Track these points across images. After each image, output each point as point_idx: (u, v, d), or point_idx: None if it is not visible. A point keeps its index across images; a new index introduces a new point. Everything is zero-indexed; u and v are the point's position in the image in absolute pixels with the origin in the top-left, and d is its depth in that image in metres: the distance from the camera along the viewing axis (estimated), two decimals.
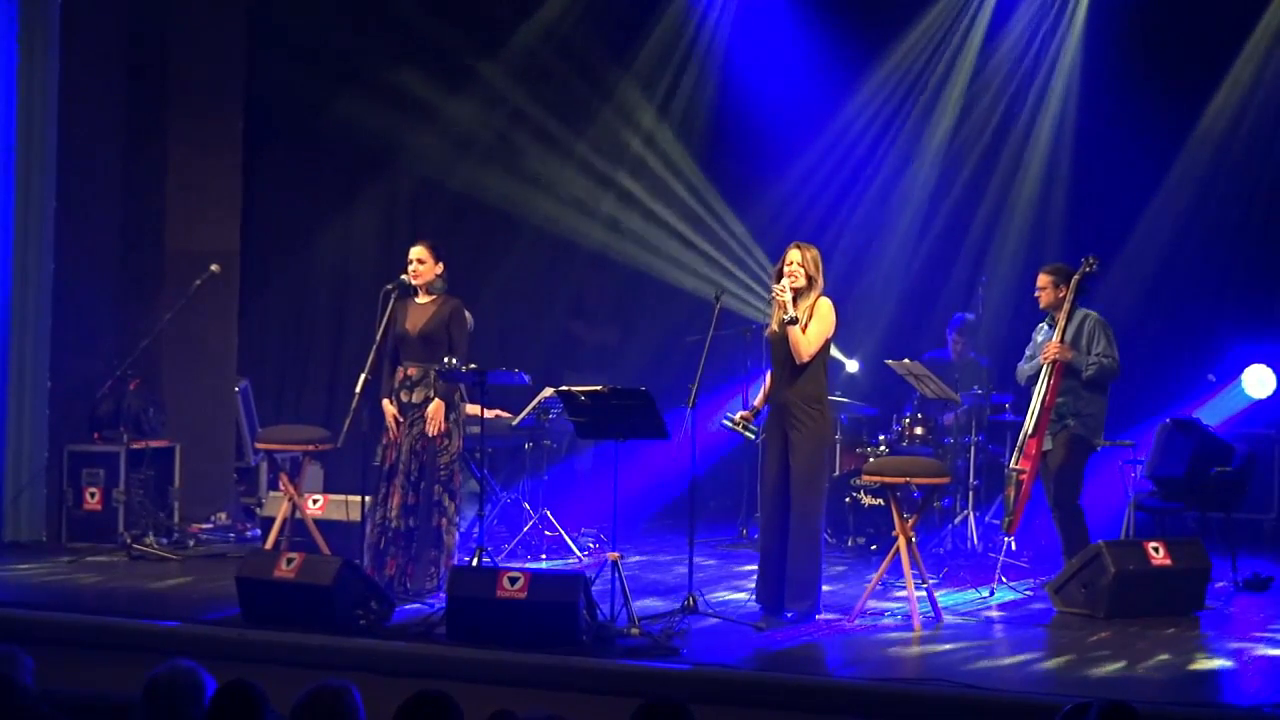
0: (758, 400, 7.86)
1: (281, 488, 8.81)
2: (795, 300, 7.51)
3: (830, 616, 7.57)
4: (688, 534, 7.55)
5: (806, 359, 7.48)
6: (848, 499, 9.80)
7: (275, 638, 6.90)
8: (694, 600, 7.38)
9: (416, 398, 8.07)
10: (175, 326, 9.93)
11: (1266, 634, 7.51)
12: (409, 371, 8.09)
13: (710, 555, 9.59)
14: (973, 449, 9.66)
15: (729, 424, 7.80)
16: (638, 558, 9.43)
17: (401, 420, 8.05)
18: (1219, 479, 8.95)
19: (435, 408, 7.99)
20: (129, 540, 9.32)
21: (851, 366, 11.01)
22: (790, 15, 11.49)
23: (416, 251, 8.18)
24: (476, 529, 7.94)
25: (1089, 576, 7.76)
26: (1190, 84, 10.91)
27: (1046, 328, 8.57)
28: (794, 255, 7.58)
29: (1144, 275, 10.86)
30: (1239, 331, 10.61)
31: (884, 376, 10.52)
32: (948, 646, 7.05)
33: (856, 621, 7.50)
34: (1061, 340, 8.28)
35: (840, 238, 11.43)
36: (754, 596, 7.68)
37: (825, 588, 7.75)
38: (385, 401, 8.11)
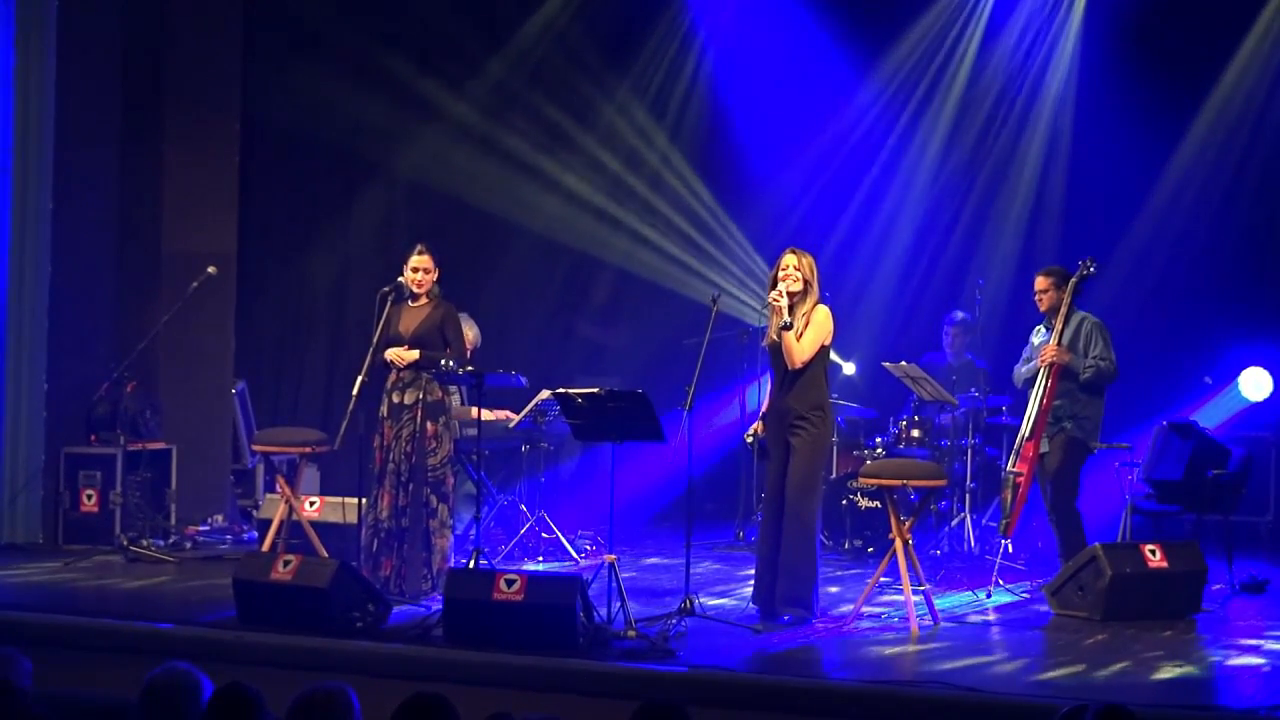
0: (763, 407, 7.84)
1: (278, 490, 8.80)
2: (792, 307, 7.51)
3: (827, 619, 7.58)
4: (684, 536, 7.56)
5: (800, 365, 7.47)
6: (845, 501, 9.80)
7: (272, 640, 6.89)
8: (691, 602, 7.38)
9: (408, 399, 8.06)
10: (172, 329, 9.93)
11: (1263, 637, 7.52)
12: (401, 373, 8.10)
13: (707, 558, 9.58)
14: (969, 451, 9.67)
15: (749, 440, 7.87)
16: (635, 560, 9.43)
17: (399, 362, 8.04)
18: (1216, 482, 8.95)
19: (410, 351, 8.01)
20: (125, 542, 9.32)
21: (848, 369, 11.00)
22: (787, 18, 11.48)
23: (422, 260, 8.16)
24: (473, 531, 7.94)
25: (1086, 579, 7.76)
26: (1187, 85, 10.92)
27: (1044, 330, 8.58)
28: (789, 260, 7.56)
29: (1140, 277, 10.86)
30: (1236, 334, 10.61)
31: (881, 379, 10.52)
32: (944, 649, 7.05)
33: (853, 624, 7.50)
34: (1059, 343, 8.29)
35: (837, 240, 11.44)
36: (751, 599, 7.66)
37: (822, 590, 7.75)
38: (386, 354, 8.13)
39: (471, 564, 7.58)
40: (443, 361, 7.92)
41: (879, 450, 9.78)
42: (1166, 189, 11.00)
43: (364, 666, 6.48)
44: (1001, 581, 8.52)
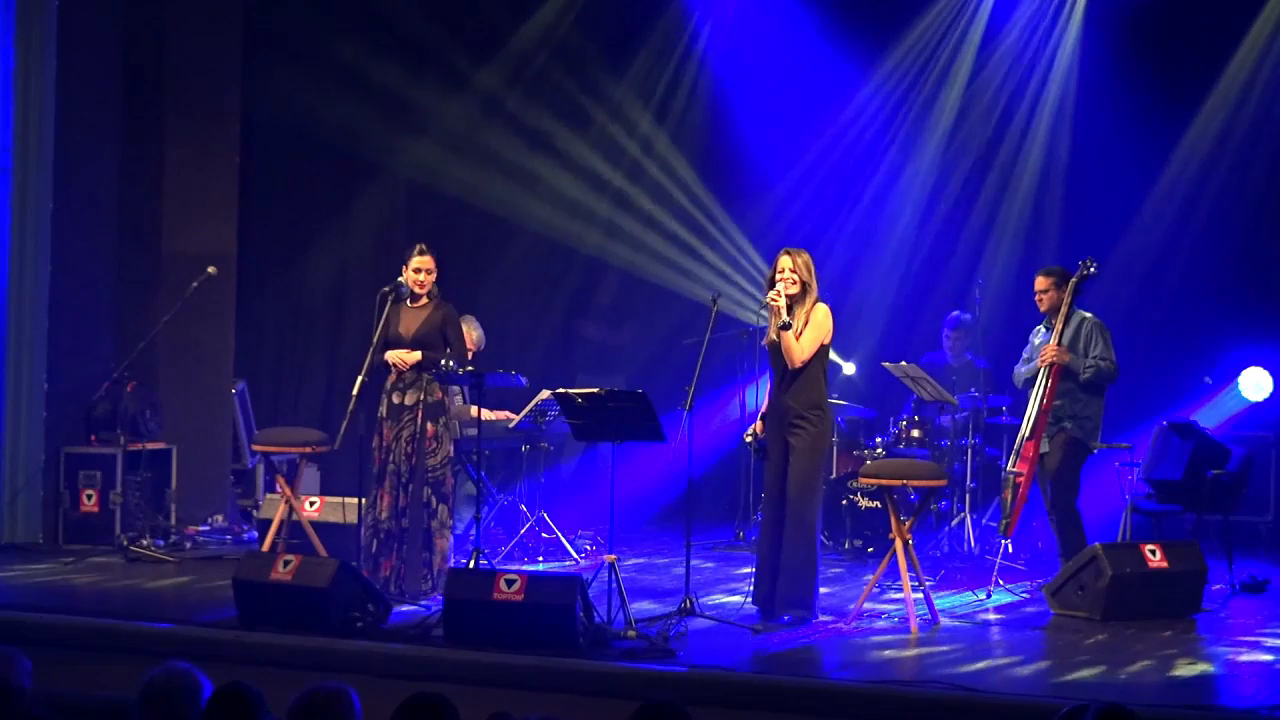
0: (763, 408, 7.85)
1: (278, 490, 8.80)
2: (791, 307, 7.51)
3: (827, 619, 7.58)
4: (684, 536, 7.56)
5: (799, 365, 7.48)
6: (845, 501, 9.79)
7: (272, 640, 6.90)
8: (691, 602, 7.38)
9: (409, 399, 8.07)
10: (172, 329, 9.93)
11: (1263, 637, 7.52)
12: (401, 374, 8.09)
13: (707, 557, 9.58)
14: (970, 451, 9.67)
15: (749, 441, 7.86)
16: (635, 560, 9.43)
17: (402, 364, 8.05)
18: (1216, 482, 8.95)
19: (412, 353, 8.01)
20: (125, 542, 9.32)
21: (848, 369, 11.01)
22: (786, 18, 11.48)
23: (424, 261, 8.15)
24: (473, 531, 7.94)
25: (1086, 579, 7.76)
26: (1187, 84, 10.90)
27: (1044, 330, 8.58)
28: (785, 262, 7.56)
29: (1141, 277, 10.86)
30: (1236, 334, 10.61)
31: (881, 379, 10.52)
32: (944, 649, 7.05)
33: (853, 624, 7.50)
34: (1059, 343, 8.29)
35: (837, 240, 11.44)
36: (751, 599, 7.67)
37: (822, 590, 7.76)
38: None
39: (471, 564, 7.58)
40: (443, 362, 7.92)
41: (879, 450, 9.78)
42: (1166, 189, 10.99)
43: (364, 666, 6.48)
44: (1001, 581, 8.52)
